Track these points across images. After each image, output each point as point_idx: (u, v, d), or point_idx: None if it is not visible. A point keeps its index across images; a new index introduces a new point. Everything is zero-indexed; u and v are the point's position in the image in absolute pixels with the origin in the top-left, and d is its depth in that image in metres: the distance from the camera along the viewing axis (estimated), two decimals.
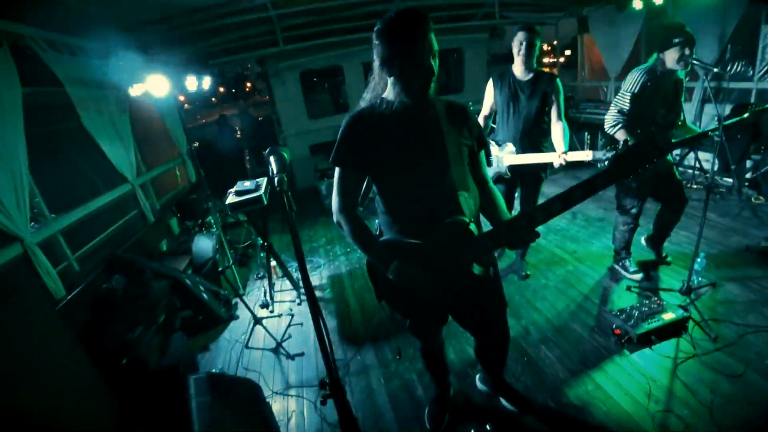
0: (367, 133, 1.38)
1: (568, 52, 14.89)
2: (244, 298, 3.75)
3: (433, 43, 1.28)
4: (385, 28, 1.28)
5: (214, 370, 3.00)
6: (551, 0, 5.95)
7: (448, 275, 1.46)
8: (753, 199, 4.12)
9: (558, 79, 2.65)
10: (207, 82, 4.32)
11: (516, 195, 3.14)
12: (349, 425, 1.27)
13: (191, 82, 4.01)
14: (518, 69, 2.69)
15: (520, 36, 2.57)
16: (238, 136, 9.24)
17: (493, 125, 3.08)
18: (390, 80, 1.36)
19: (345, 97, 6.77)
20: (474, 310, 1.74)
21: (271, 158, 1.26)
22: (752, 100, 4.54)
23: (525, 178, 2.95)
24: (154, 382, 2.60)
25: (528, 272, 3.29)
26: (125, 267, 3.18)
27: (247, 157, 7.52)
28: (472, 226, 1.43)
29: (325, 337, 1.17)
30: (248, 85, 36.24)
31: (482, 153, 1.57)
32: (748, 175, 4.29)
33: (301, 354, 2.85)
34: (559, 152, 2.60)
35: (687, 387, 2.09)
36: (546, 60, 17.41)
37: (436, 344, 1.98)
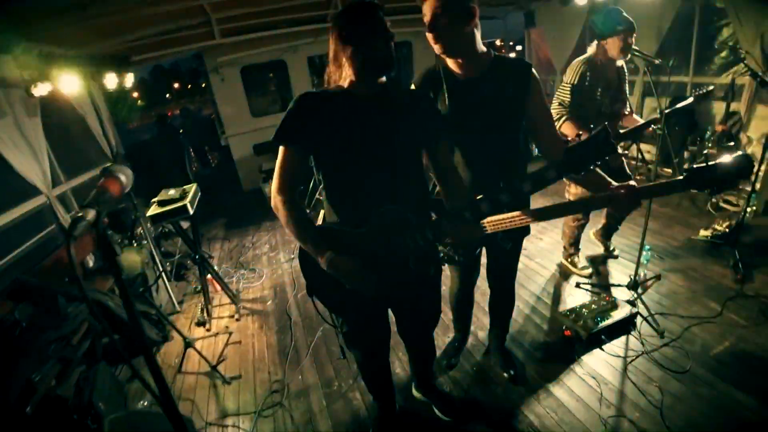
0: (315, 113, 1.30)
1: (519, 48, 15.22)
2: (181, 316, 3.44)
3: (388, 29, 1.25)
4: (339, 16, 1.27)
5: (142, 402, 2.69)
6: None
7: (381, 265, 1.35)
8: (691, 189, 4.24)
9: (531, 67, 1.53)
10: (130, 78, 3.90)
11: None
12: None
13: (110, 80, 3.60)
14: (451, 60, 1.54)
15: (425, 7, 1.44)
16: (181, 136, 8.68)
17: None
18: (345, 68, 1.31)
19: (291, 94, 6.46)
20: (408, 313, 1.70)
21: (100, 181, 0.93)
22: (688, 93, 4.70)
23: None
24: (69, 426, 2.27)
25: (512, 371, 2.21)
26: (33, 294, 2.78)
27: (191, 159, 7.03)
28: (410, 215, 1.34)
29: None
30: None
31: (442, 143, 1.46)
32: (686, 166, 4.42)
33: (239, 377, 2.59)
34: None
35: (637, 387, 2.04)
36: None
37: (378, 359, 1.82)
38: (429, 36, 1.47)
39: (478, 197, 1.29)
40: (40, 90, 3.13)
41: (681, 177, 1.20)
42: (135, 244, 4.07)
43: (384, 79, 1.34)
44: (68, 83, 2.93)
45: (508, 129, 1.60)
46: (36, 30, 3.38)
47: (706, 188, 1.18)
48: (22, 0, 2.89)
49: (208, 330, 3.12)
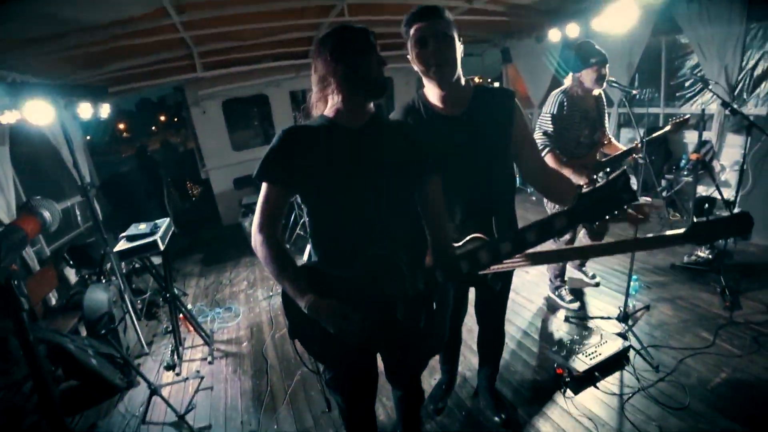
0: (299, 147, 1.23)
1: (497, 84, 15.77)
2: (150, 358, 3.20)
3: (379, 55, 1.20)
4: (328, 37, 1.20)
5: None
6: (475, 32, 6.13)
7: (368, 312, 1.22)
8: (671, 217, 4.31)
9: (514, 96, 1.52)
10: (106, 109, 3.80)
11: None
12: None
13: (84, 110, 3.49)
14: (435, 93, 1.46)
15: (413, 33, 1.36)
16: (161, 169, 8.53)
17: None
18: (332, 94, 1.23)
19: (273, 128, 6.45)
20: (398, 358, 1.55)
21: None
22: (661, 123, 4.86)
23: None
24: None
25: (503, 415, 2.07)
26: None
27: (169, 193, 6.85)
28: (401, 262, 1.22)
29: None
30: None
31: (434, 178, 1.34)
32: (664, 194, 4.50)
33: (209, 427, 2.37)
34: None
35: (636, 428, 1.92)
36: None
37: (363, 407, 1.65)
38: (430, 61, 1.36)
39: (477, 244, 1.20)
40: (8, 118, 3.03)
41: (682, 231, 1.17)
42: (104, 281, 3.85)
43: (372, 107, 1.27)
44: (38, 112, 2.81)
45: (495, 162, 1.52)
46: (9, 58, 3.30)
47: (705, 242, 1.16)
48: None
49: (178, 374, 2.89)
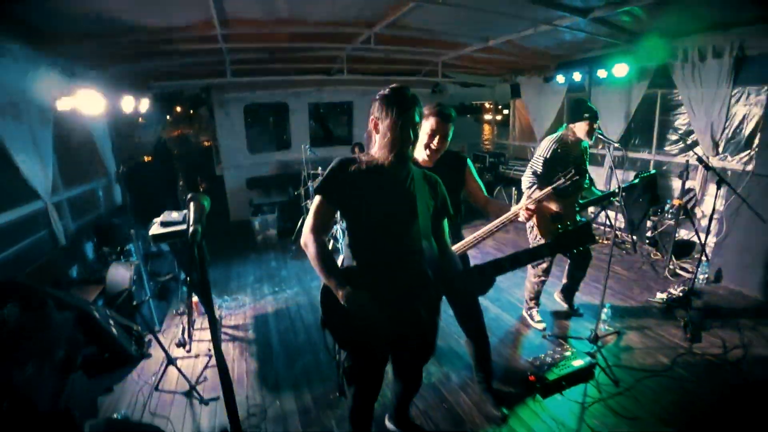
0: (349, 176, 1.55)
1: (506, 111, 16.29)
2: (160, 335, 3.47)
3: (414, 117, 1.50)
4: (383, 94, 1.52)
5: (116, 415, 2.69)
6: (487, 66, 6.55)
7: (395, 309, 1.56)
8: (651, 255, 4.65)
9: (467, 159, 2.24)
10: (145, 103, 4.16)
11: None
12: None
13: (127, 102, 3.84)
14: (420, 156, 2.03)
15: (430, 123, 1.94)
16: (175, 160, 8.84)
17: None
18: (376, 139, 1.55)
19: (288, 136, 6.82)
20: (410, 353, 1.84)
21: (191, 205, 1.20)
22: (651, 167, 5.23)
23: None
24: (42, 428, 2.27)
25: (505, 411, 2.37)
26: (23, 295, 2.82)
27: (181, 187, 7.18)
28: (427, 272, 1.65)
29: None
30: None
31: (444, 221, 1.73)
32: (648, 234, 4.85)
33: (216, 398, 2.64)
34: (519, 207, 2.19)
35: (592, 430, 2.22)
36: (487, 117, 18.78)
37: (373, 397, 1.89)
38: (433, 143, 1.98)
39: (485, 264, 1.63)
40: (64, 104, 3.33)
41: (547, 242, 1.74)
42: (123, 260, 4.14)
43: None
44: (91, 101, 3.14)
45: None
46: (67, 49, 3.64)
47: (566, 251, 1.64)
48: (58, 25, 3.17)
49: (188, 351, 3.17)
